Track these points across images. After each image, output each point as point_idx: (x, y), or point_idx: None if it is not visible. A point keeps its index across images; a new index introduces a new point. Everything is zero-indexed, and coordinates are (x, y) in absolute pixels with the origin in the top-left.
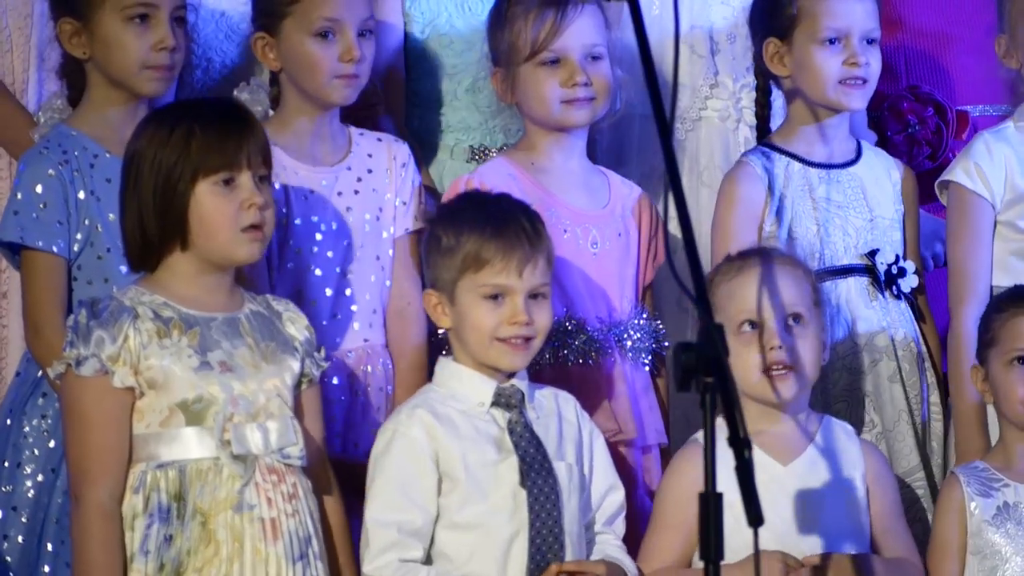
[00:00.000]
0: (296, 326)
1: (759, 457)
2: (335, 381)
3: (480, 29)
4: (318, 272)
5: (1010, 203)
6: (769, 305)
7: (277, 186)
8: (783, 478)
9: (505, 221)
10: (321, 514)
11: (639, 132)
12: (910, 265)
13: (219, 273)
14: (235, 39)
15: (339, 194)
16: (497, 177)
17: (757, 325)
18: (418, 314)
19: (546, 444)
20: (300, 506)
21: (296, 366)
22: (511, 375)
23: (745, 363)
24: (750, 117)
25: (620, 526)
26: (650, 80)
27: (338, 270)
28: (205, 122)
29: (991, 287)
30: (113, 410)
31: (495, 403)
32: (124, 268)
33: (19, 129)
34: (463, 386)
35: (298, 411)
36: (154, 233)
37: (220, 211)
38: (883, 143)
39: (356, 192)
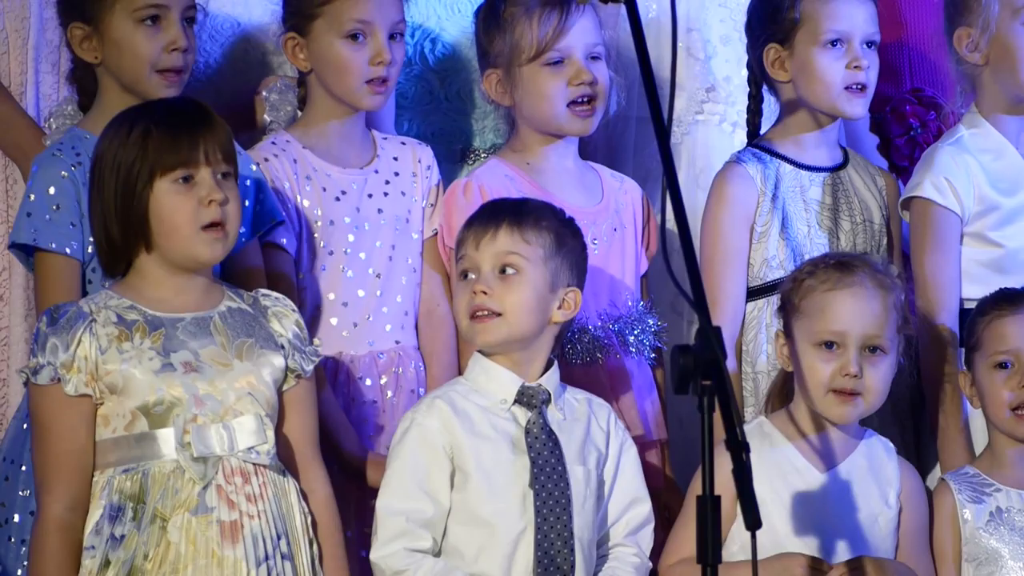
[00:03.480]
0: (284, 321)
1: (799, 463)
2: (367, 382)
3: (470, 31)
4: (350, 273)
5: (979, 215)
6: (854, 329)
7: (308, 188)
8: (820, 484)
9: None
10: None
11: (635, 135)
12: (894, 269)
13: (187, 274)
14: (219, 40)
15: (369, 196)
16: (494, 179)
17: (836, 345)
18: (447, 316)
19: (567, 447)
20: (267, 507)
21: (279, 362)
22: (544, 371)
23: (815, 378)
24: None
25: (646, 538)
26: (648, 83)
27: (370, 271)
28: (161, 120)
29: (961, 300)
30: (69, 418)
31: (518, 401)
32: None
33: (20, 131)
34: (489, 382)
35: (283, 408)
36: (118, 236)
37: (179, 209)
38: (885, 146)
39: (386, 194)
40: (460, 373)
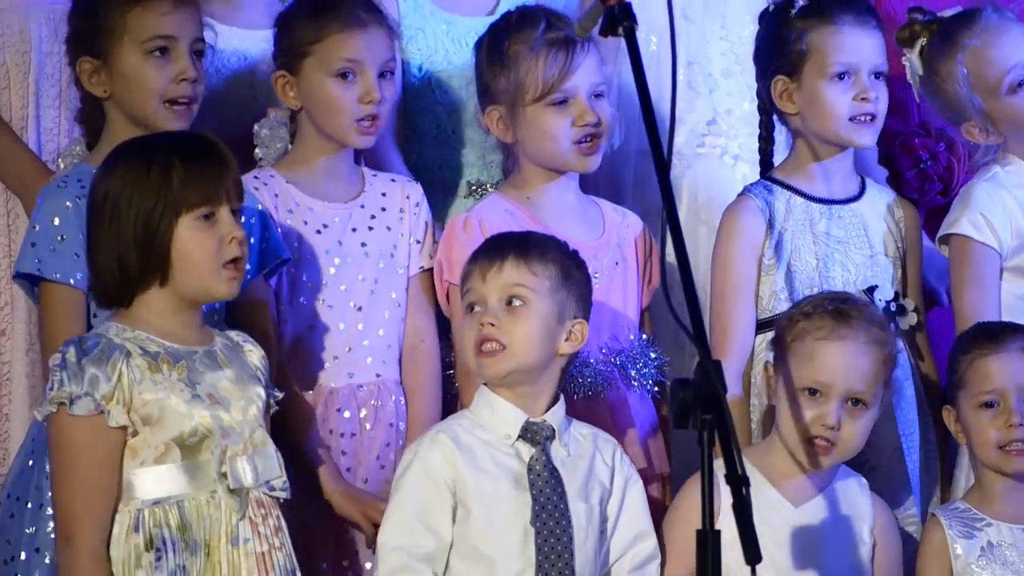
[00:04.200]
0: (255, 356)
1: (772, 497)
2: (346, 415)
3: None
4: (331, 306)
5: (1016, 249)
6: (840, 382)
7: (289, 221)
8: (793, 519)
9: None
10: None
11: (635, 169)
12: (909, 303)
13: (193, 308)
14: (224, 74)
15: (353, 230)
16: (494, 214)
17: (819, 393)
18: (432, 352)
19: (570, 483)
20: (284, 539)
21: (264, 394)
22: (550, 406)
23: (794, 422)
24: (748, 153)
25: (652, 573)
26: (647, 117)
27: (351, 304)
28: (183, 157)
29: None
30: (105, 450)
31: (522, 436)
32: None
33: (21, 164)
34: (494, 416)
35: None
36: (134, 270)
37: (203, 246)
38: (895, 179)
39: (370, 228)
40: (443, 408)
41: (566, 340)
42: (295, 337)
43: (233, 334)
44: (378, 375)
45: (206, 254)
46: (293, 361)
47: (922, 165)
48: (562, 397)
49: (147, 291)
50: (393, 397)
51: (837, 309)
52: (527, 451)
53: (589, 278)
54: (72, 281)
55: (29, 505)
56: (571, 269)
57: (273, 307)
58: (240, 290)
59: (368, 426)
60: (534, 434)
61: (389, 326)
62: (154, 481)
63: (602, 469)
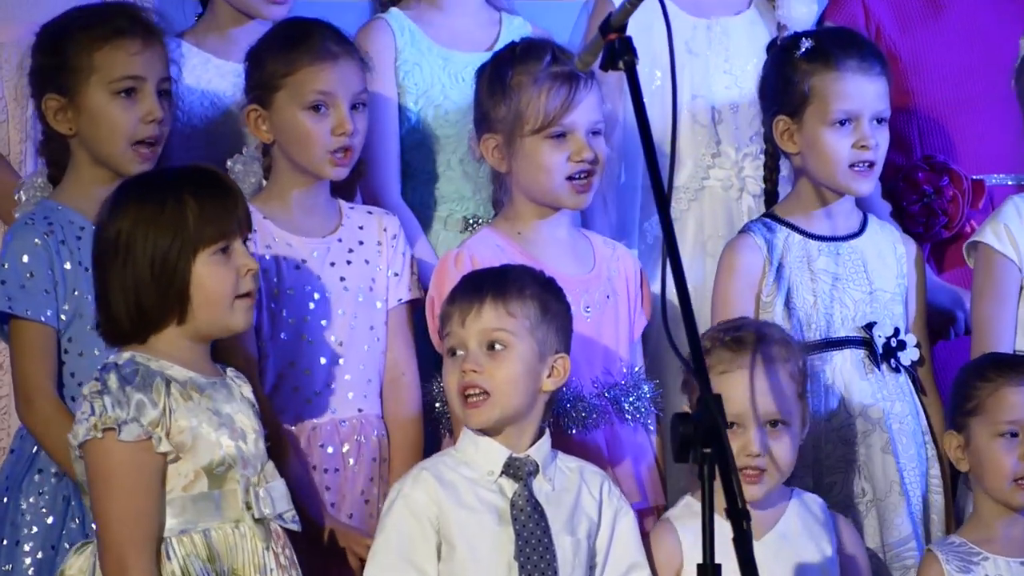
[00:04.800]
0: (247, 390)
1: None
2: (329, 450)
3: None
4: (311, 342)
5: None
6: (752, 410)
7: (268, 257)
8: (758, 553)
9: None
10: None
11: (642, 203)
12: (911, 338)
13: (206, 343)
14: (220, 107)
15: (331, 264)
16: (486, 249)
17: (736, 425)
18: (413, 384)
19: (555, 518)
20: (297, 573)
21: (259, 427)
22: (534, 441)
23: None
24: (753, 186)
25: None
26: (647, 150)
27: (332, 339)
28: (195, 193)
29: (1014, 351)
30: (152, 475)
31: (505, 472)
32: None
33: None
34: (477, 453)
35: None
36: (152, 308)
37: (220, 281)
38: (899, 213)
39: (348, 263)
40: (424, 441)
41: (548, 377)
42: (277, 373)
43: (228, 369)
44: (360, 410)
45: (224, 289)
46: (275, 397)
47: (926, 199)
48: (547, 432)
49: (164, 329)
50: (375, 431)
51: (732, 339)
52: (510, 487)
53: (568, 307)
54: (43, 318)
55: (5, 542)
56: (550, 303)
57: (254, 343)
58: None
59: (351, 461)
60: (517, 469)
61: (369, 360)
62: (180, 509)
63: (589, 502)
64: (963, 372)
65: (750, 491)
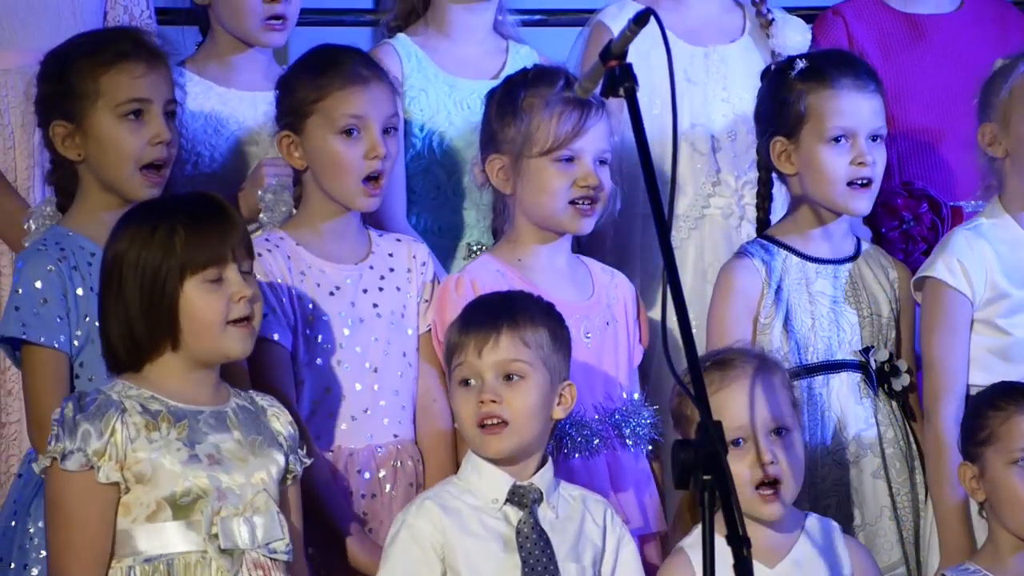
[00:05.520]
0: (280, 421)
1: None
2: (366, 476)
3: (479, 126)
4: (347, 367)
5: (989, 301)
6: (754, 420)
7: (303, 283)
8: None
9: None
10: None
11: (642, 231)
12: (902, 364)
13: (206, 369)
14: (224, 134)
15: (364, 291)
16: (486, 274)
17: (743, 441)
18: (444, 410)
19: (559, 545)
20: None
21: (282, 460)
22: (538, 468)
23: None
24: (753, 214)
25: None
26: (648, 177)
27: (367, 365)
28: (187, 219)
29: (968, 385)
30: (97, 506)
31: (509, 500)
32: None
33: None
34: (481, 481)
35: (282, 506)
36: (143, 335)
37: (210, 307)
38: (878, 239)
39: (381, 290)
40: (457, 467)
41: (558, 404)
42: (313, 399)
43: (258, 397)
44: (395, 435)
45: (214, 315)
46: (312, 423)
47: (905, 226)
48: (550, 460)
49: (160, 356)
50: (411, 457)
51: (716, 361)
52: (515, 514)
53: (569, 334)
54: (56, 344)
55: (12, 565)
56: (557, 330)
57: (290, 369)
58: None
59: (388, 487)
60: (521, 497)
61: (403, 386)
62: (146, 538)
63: (593, 530)
64: (974, 402)
65: (769, 510)
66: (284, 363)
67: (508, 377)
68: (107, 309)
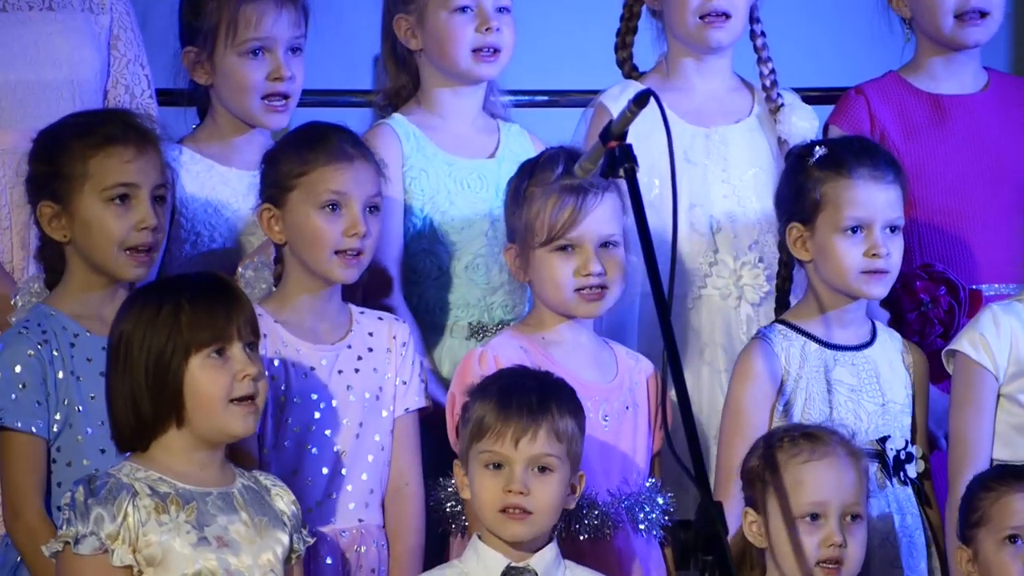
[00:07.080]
0: (284, 501)
1: None
2: (328, 561)
3: (479, 206)
4: (315, 451)
5: (1013, 376)
6: (834, 499)
7: (276, 363)
8: None
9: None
10: None
11: (640, 310)
12: (917, 450)
13: (212, 449)
14: (224, 214)
15: (339, 372)
16: (510, 350)
17: (819, 516)
18: (416, 495)
19: None
20: None
21: (286, 540)
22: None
23: (791, 558)
24: (751, 295)
25: None
26: (648, 257)
27: (336, 449)
28: (192, 297)
29: (991, 460)
30: None
31: None
32: (103, 450)
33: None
34: (479, 564)
35: None
36: (148, 413)
37: (214, 383)
38: (896, 321)
39: (356, 371)
40: (423, 552)
41: (570, 494)
42: None
43: (262, 476)
44: (360, 520)
45: (217, 392)
46: None
47: (923, 308)
48: (554, 541)
49: (165, 434)
50: (375, 543)
51: (805, 434)
52: None
53: (585, 419)
54: (34, 429)
55: None
56: (581, 421)
57: (256, 451)
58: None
59: (350, 573)
60: None
61: (372, 470)
62: None
63: None
64: (969, 486)
65: None
66: (252, 446)
67: (540, 469)
68: (114, 388)
